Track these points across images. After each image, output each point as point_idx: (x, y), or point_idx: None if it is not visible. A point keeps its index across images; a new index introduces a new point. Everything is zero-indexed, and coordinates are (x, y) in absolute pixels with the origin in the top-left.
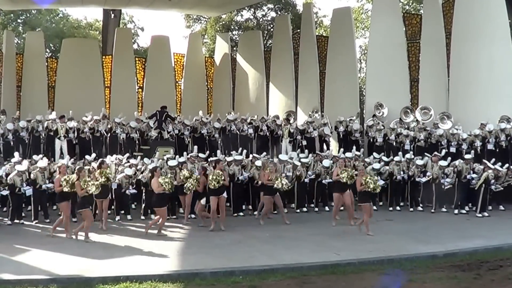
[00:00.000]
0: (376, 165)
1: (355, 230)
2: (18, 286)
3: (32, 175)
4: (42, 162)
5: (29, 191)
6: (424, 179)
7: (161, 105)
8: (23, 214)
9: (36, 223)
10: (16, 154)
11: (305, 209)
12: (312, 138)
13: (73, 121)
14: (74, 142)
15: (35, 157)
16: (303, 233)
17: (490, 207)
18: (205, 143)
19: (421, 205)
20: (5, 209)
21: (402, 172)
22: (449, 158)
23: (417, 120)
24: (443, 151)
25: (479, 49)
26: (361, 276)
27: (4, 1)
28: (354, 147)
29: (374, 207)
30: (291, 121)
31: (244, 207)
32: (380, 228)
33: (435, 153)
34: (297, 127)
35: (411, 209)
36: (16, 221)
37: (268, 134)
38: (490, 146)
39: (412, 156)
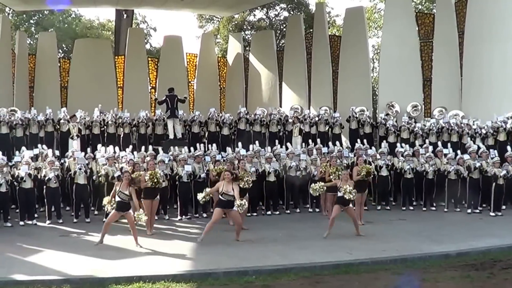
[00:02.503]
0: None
1: (368, 229)
2: (31, 287)
3: (43, 173)
4: (49, 157)
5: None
6: (431, 170)
7: (167, 91)
8: (36, 215)
9: (49, 223)
10: (23, 148)
11: (317, 210)
12: (322, 133)
13: (83, 118)
14: (88, 141)
15: (36, 151)
16: (316, 232)
17: (504, 207)
18: (218, 140)
19: (434, 204)
20: (18, 210)
21: (412, 170)
22: (458, 151)
23: (430, 117)
24: (450, 150)
25: (492, 48)
26: (375, 276)
27: (17, 1)
28: (366, 141)
29: (387, 207)
30: (299, 116)
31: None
32: (393, 228)
33: (438, 148)
34: (309, 122)
35: (424, 209)
36: (28, 222)
37: (277, 131)
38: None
39: (423, 151)
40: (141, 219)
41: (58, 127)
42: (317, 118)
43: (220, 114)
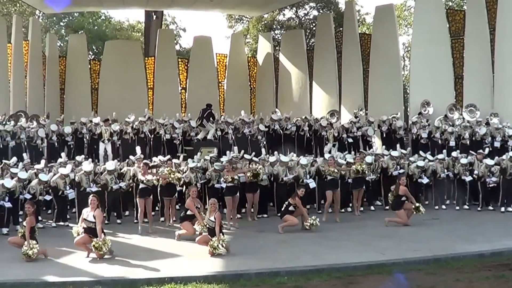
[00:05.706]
0: (420, 163)
1: (400, 229)
2: None
3: (76, 178)
4: (88, 166)
5: (71, 194)
6: (469, 178)
7: (205, 105)
8: (68, 217)
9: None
10: (62, 154)
11: (349, 209)
12: (356, 137)
13: (117, 123)
14: (117, 145)
15: (78, 158)
16: (347, 233)
17: None
18: (248, 143)
19: (467, 203)
20: (49, 211)
21: (446, 170)
22: (496, 158)
23: (463, 118)
24: (487, 149)
25: None
26: (407, 276)
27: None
28: (398, 145)
29: None
30: (334, 121)
31: None
32: (426, 227)
33: (480, 151)
34: (343, 126)
35: (457, 208)
36: (60, 223)
37: (309, 134)
38: None
39: (459, 155)
40: None
41: (89, 128)
42: (350, 124)
43: (253, 119)
